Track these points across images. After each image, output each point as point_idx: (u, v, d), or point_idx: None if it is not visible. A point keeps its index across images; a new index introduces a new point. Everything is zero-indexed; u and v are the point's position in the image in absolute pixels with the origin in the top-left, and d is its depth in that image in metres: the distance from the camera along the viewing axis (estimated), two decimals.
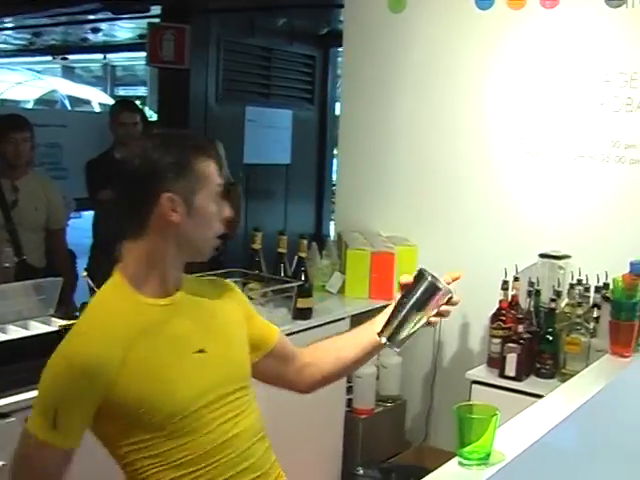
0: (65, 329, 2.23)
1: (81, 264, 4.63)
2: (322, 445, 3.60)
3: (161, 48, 6.33)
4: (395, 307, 1.82)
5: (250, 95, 7.16)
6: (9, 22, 9.78)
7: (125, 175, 1.77)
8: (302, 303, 3.40)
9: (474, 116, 3.97)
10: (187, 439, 1.72)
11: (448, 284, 1.80)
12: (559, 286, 3.47)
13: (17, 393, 2.28)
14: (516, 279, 3.48)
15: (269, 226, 3.56)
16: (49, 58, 13.54)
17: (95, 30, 9.81)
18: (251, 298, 2.74)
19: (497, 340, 3.44)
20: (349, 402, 3.81)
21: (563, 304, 3.43)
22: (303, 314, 3.40)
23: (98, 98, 14.19)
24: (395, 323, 1.80)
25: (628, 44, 3.57)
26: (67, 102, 13.72)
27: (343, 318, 3.57)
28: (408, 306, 1.79)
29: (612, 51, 3.60)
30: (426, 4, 4.08)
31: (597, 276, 3.37)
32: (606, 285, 3.24)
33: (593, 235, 3.63)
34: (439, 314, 1.82)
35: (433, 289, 1.78)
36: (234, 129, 6.78)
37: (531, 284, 3.46)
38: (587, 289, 3.39)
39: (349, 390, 3.79)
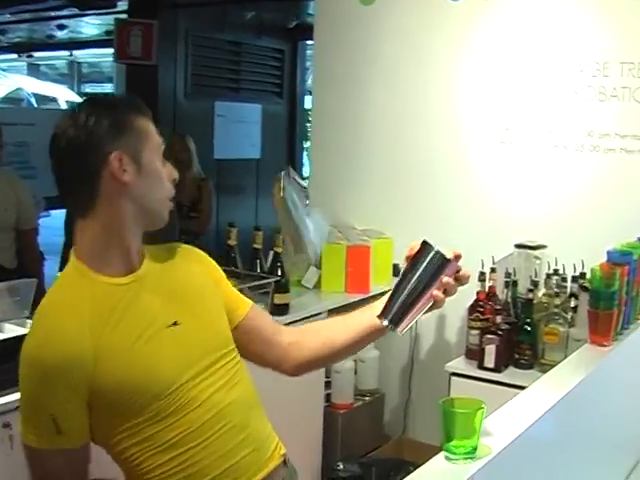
0: None
1: (52, 263, 4.57)
2: (302, 441, 3.56)
3: (128, 44, 6.29)
4: (397, 284, 1.62)
5: (219, 90, 7.13)
6: None
7: (63, 150, 1.64)
8: (279, 299, 3.37)
9: (447, 107, 3.96)
10: (175, 418, 1.63)
11: None
12: (536, 276, 3.49)
13: None
14: (493, 270, 3.48)
15: (241, 221, 3.52)
16: (14, 56, 13.40)
17: (61, 27, 9.74)
18: None
19: (475, 332, 3.44)
20: (327, 397, 3.79)
21: (540, 294, 3.44)
22: (280, 310, 3.36)
23: (64, 96, 14.02)
24: (398, 302, 1.60)
25: (601, 33, 3.58)
26: (33, 100, 13.54)
27: (320, 313, 3.54)
28: (413, 281, 1.59)
29: (585, 40, 3.61)
30: None
31: (574, 265, 3.38)
32: (583, 274, 3.24)
33: (568, 225, 3.65)
34: (445, 291, 1.66)
35: (441, 260, 1.59)
36: (204, 125, 6.76)
37: (508, 275, 3.46)
38: (564, 279, 3.40)
39: (327, 385, 3.77)
